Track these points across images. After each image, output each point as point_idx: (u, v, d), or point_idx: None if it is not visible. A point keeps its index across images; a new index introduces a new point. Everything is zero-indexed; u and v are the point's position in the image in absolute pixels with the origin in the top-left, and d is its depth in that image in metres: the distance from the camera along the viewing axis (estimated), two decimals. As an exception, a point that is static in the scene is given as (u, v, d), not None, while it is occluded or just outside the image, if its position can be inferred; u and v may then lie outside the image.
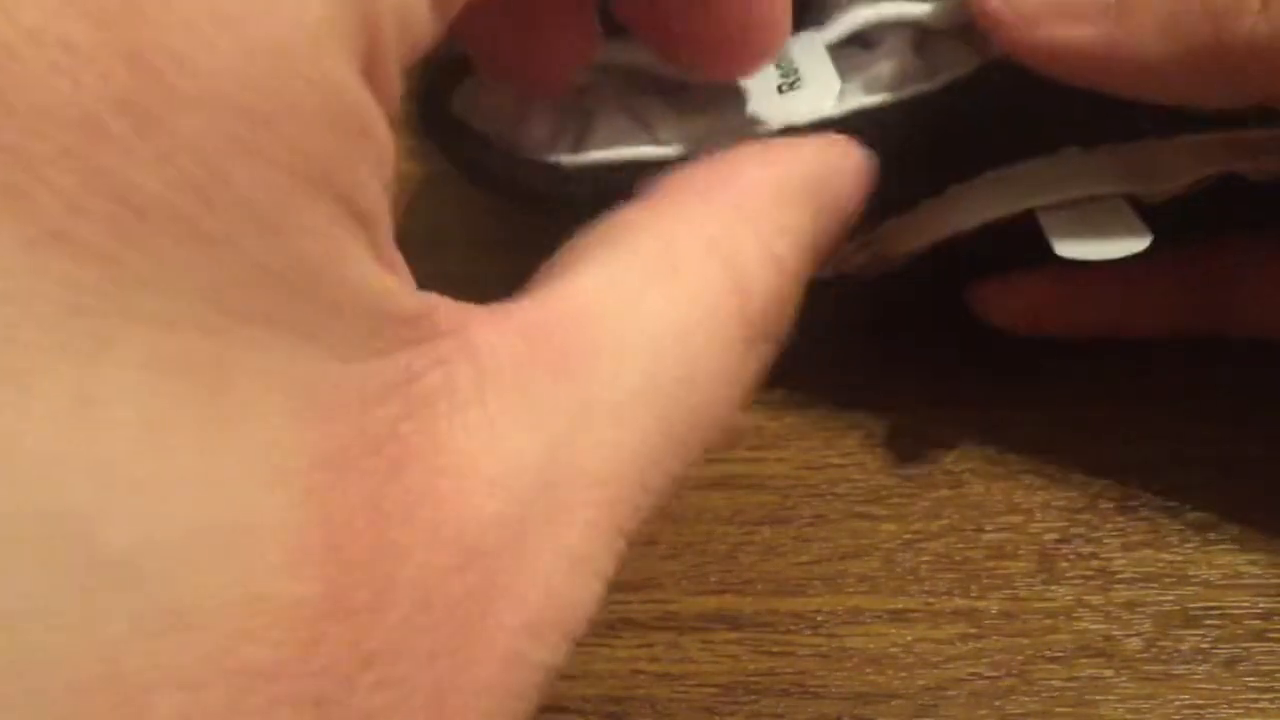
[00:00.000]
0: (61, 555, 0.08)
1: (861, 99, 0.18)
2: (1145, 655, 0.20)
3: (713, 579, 0.21)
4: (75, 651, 0.08)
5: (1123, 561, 0.21)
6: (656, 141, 0.18)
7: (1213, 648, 0.20)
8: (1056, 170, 0.19)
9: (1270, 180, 0.19)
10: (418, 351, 0.11)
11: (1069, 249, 0.18)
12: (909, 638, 0.20)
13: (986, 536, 0.21)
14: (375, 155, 0.10)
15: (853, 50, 0.19)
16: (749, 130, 0.18)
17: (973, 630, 0.20)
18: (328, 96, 0.10)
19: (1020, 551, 0.21)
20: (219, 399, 0.09)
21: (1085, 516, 0.21)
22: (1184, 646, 0.20)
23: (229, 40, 0.09)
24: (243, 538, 0.09)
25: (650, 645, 0.21)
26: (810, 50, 0.19)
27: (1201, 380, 0.23)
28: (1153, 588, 0.21)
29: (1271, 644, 0.20)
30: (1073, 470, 0.22)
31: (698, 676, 0.20)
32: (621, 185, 0.14)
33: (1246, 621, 0.20)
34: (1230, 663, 0.20)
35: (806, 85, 0.18)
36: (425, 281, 0.11)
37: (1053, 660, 0.20)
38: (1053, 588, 0.21)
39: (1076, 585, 0.21)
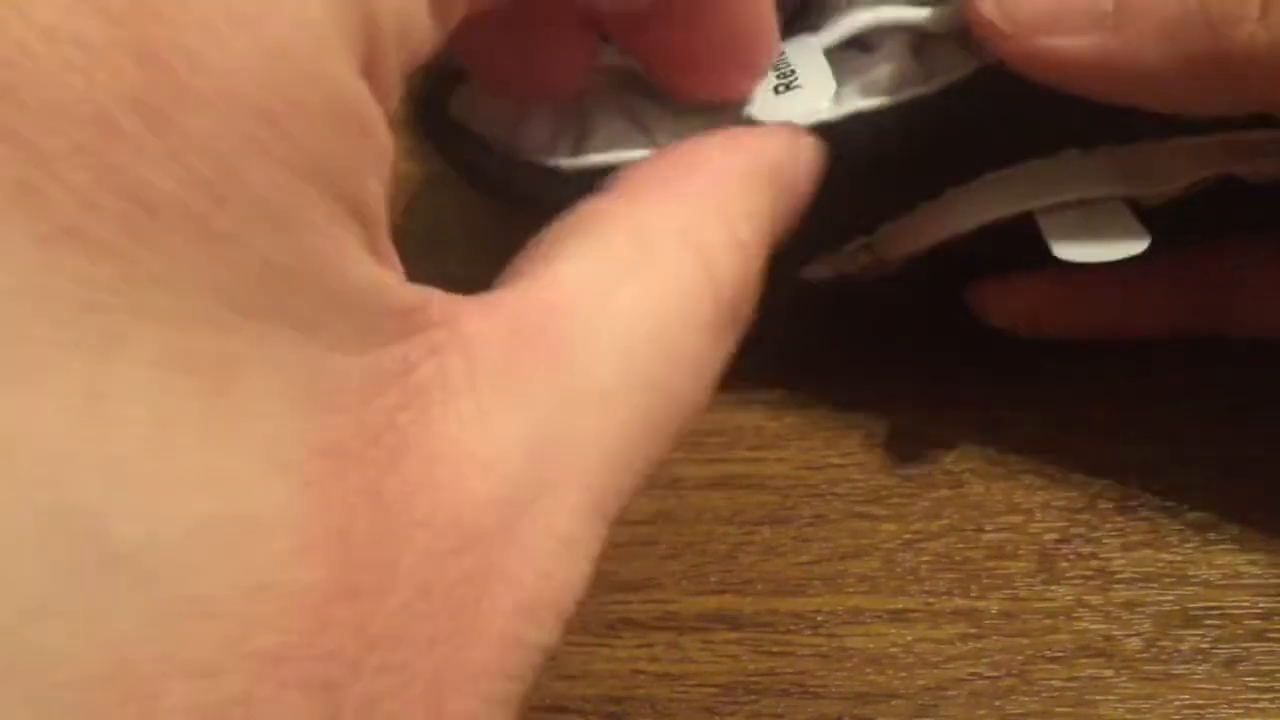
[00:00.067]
0: (72, 551, 0.08)
1: (859, 102, 0.18)
2: (1145, 655, 0.20)
3: (713, 579, 0.21)
4: (86, 645, 0.08)
5: (1122, 561, 0.21)
6: (654, 144, 0.18)
7: (1213, 648, 0.20)
8: (1055, 172, 0.19)
9: (1268, 182, 0.19)
10: (413, 343, 0.11)
11: (1067, 251, 0.18)
12: (909, 638, 0.20)
13: (986, 536, 0.21)
14: (375, 154, 0.11)
15: (851, 53, 0.19)
16: None
17: (973, 630, 0.20)
18: (331, 96, 0.10)
19: (1020, 551, 0.21)
20: (225, 393, 0.09)
21: (1085, 516, 0.21)
22: (1184, 646, 0.20)
23: (242, 39, 0.09)
24: (250, 528, 0.09)
25: (650, 645, 0.21)
26: (807, 53, 0.19)
27: (1201, 380, 0.23)
28: (1153, 588, 0.21)
29: (1271, 644, 0.20)
30: (1073, 470, 0.22)
31: (698, 676, 0.20)
32: None
33: (1246, 621, 0.20)
34: (1230, 663, 0.20)
35: (803, 87, 0.18)
36: (425, 281, 0.12)
37: (1053, 660, 0.20)
38: (1053, 588, 0.21)
39: (1076, 585, 0.21)
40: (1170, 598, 0.20)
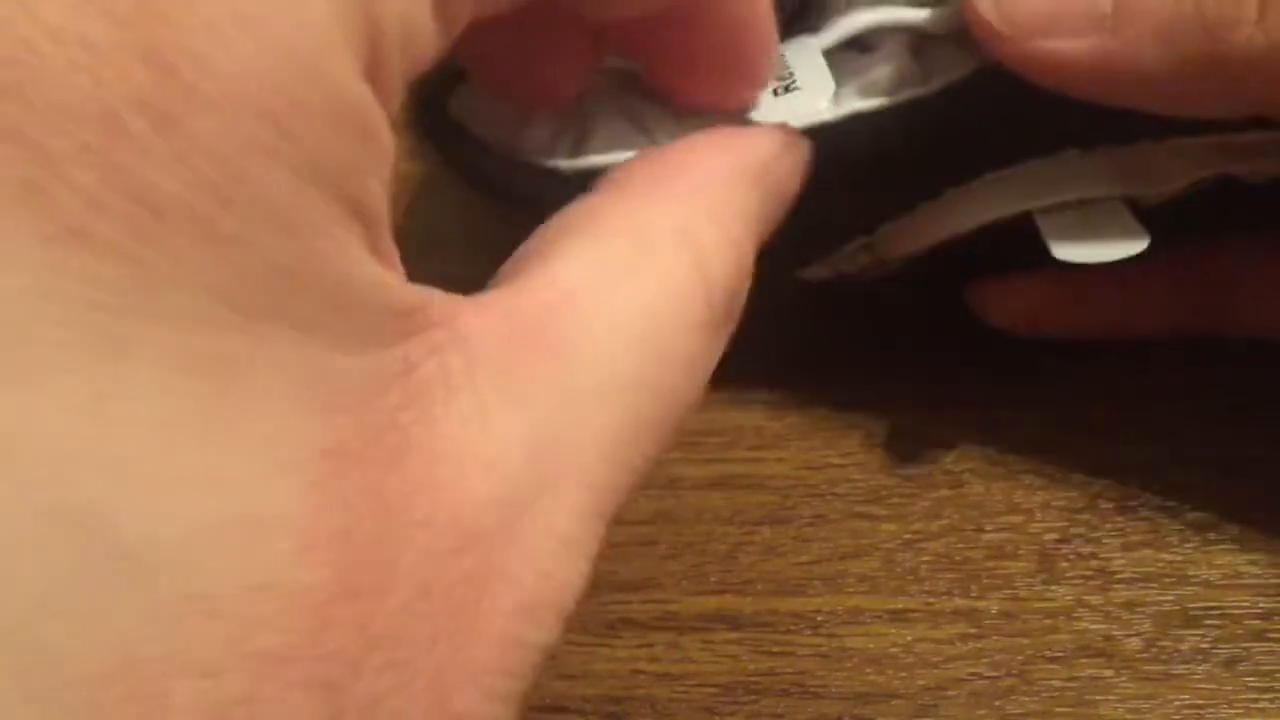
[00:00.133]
0: (74, 550, 0.08)
1: (858, 103, 0.18)
2: (1145, 655, 0.20)
3: (713, 579, 0.21)
4: (89, 644, 0.08)
5: (1122, 561, 0.21)
6: (654, 145, 0.18)
7: (1213, 648, 0.20)
8: (1054, 173, 0.19)
9: (1267, 182, 0.19)
10: (414, 343, 0.11)
11: (1066, 251, 0.18)
12: (909, 638, 0.20)
13: (986, 536, 0.21)
14: (377, 156, 0.11)
15: (850, 54, 0.19)
16: None
17: (973, 630, 0.20)
18: (334, 98, 0.10)
19: (1020, 551, 0.21)
20: (229, 394, 0.09)
21: (1085, 516, 0.22)
22: (1184, 646, 0.20)
23: (247, 42, 0.09)
24: (253, 528, 0.09)
25: (650, 645, 0.21)
26: (806, 54, 0.19)
27: (1201, 380, 0.23)
28: (1152, 588, 0.21)
29: (1271, 644, 0.20)
30: (1073, 470, 0.22)
31: (698, 676, 0.20)
32: None
33: (1246, 621, 0.20)
34: (1230, 663, 0.20)
35: (802, 88, 0.18)
36: (425, 281, 0.12)
37: (1053, 660, 0.20)
38: (1053, 588, 0.21)
39: (1076, 585, 0.21)
40: (1170, 598, 0.21)
